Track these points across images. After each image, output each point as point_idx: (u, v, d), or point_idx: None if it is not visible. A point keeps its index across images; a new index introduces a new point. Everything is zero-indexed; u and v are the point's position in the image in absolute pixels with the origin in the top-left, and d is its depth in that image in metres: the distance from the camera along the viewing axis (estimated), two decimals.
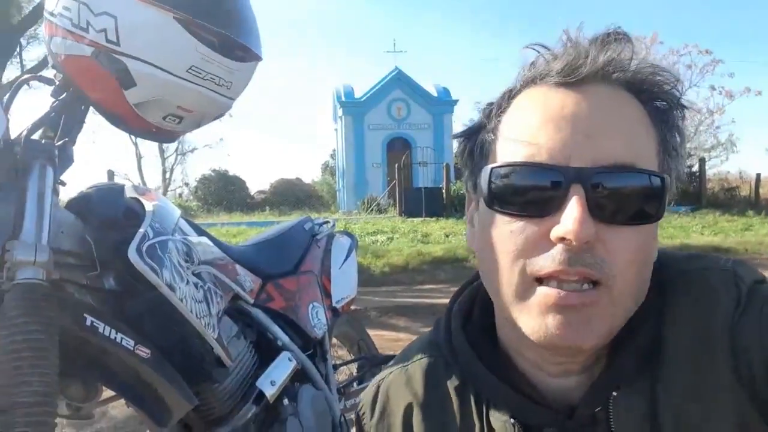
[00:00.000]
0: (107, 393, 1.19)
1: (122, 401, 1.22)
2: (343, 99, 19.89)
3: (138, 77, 1.05)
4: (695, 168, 13.48)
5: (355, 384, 2.01)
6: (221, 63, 1.10)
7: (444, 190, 12.25)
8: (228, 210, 18.08)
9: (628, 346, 0.54)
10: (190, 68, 1.07)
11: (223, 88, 1.13)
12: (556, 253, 0.49)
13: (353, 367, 2.20)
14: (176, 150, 27.72)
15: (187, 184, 27.16)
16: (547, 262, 0.49)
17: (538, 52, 0.55)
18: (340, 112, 20.40)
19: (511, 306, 0.53)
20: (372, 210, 14.10)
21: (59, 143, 1.11)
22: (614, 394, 0.53)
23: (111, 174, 12.45)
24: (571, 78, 0.52)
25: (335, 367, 1.83)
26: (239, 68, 1.14)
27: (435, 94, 20.00)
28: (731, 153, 17.46)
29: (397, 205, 12.65)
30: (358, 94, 20.11)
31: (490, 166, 0.53)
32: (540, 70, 0.54)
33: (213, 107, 1.18)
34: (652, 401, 0.52)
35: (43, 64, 9.38)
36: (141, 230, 1.09)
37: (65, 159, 1.11)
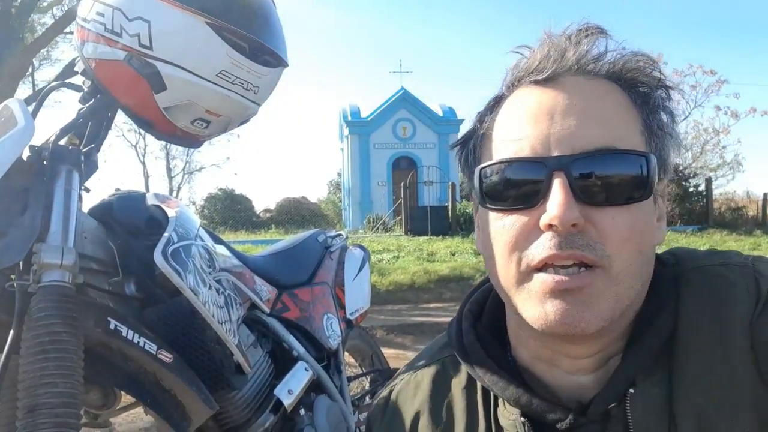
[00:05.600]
0: (125, 401, 1.18)
1: (135, 411, 1.21)
2: (349, 118, 20.04)
3: (169, 81, 1.06)
4: (702, 187, 13.45)
5: (368, 397, 1.99)
6: (250, 68, 1.11)
7: (449, 209, 12.23)
8: (233, 229, 18.05)
9: (643, 342, 0.54)
10: (220, 72, 1.08)
11: (250, 93, 1.15)
12: (546, 240, 0.50)
13: (366, 381, 2.18)
14: (183, 169, 27.87)
15: (194, 203, 27.17)
16: (539, 249, 0.51)
17: (521, 54, 0.58)
18: (346, 131, 20.53)
19: (513, 297, 0.54)
20: (377, 228, 14.07)
21: (85, 149, 1.12)
22: (631, 390, 0.53)
23: None
24: (543, 75, 0.54)
25: (348, 380, 1.82)
26: (267, 73, 1.16)
27: (440, 113, 20.13)
28: (737, 173, 17.41)
29: (403, 223, 12.63)
30: (364, 113, 20.27)
31: (479, 166, 0.56)
32: (519, 72, 0.57)
33: (240, 112, 1.19)
34: (668, 397, 0.52)
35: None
36: (166, 234, 1.10)
37: (90, 165, 1.12)
